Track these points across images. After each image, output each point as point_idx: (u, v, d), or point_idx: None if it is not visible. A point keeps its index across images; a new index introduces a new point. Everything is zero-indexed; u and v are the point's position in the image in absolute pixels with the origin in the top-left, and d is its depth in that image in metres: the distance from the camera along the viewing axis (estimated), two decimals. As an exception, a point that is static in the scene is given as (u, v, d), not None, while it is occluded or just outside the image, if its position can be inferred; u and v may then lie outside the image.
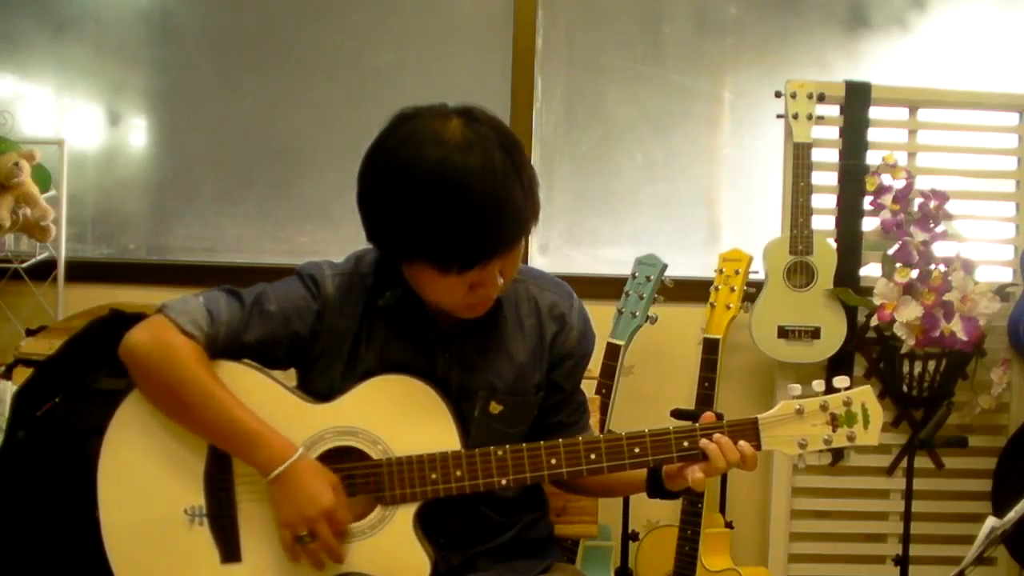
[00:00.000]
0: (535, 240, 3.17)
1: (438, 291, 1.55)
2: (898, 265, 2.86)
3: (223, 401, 1.56)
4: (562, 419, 1.75)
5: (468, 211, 1.45)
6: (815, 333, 2.87)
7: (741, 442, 1.58)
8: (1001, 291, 2.91)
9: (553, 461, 1.59)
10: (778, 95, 2.90)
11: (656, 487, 1.68)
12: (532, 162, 1.55)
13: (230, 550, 1.60)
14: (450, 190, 1.45)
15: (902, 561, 2.69)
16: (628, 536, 2.82)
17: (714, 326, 2.76)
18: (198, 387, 1.55)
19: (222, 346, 1.59)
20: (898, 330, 2.83)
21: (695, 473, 1.58)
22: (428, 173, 1.45)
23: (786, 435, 1.60)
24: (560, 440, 1.60)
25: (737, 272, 2.77)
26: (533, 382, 1.69)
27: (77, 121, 3.18)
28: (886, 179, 2.93)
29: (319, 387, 1.64)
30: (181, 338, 1.56)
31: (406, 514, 1.60)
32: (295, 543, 1.56)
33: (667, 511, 2.71)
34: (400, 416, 1.60)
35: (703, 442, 1.58)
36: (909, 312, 2.82)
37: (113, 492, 1.60)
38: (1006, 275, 3.01)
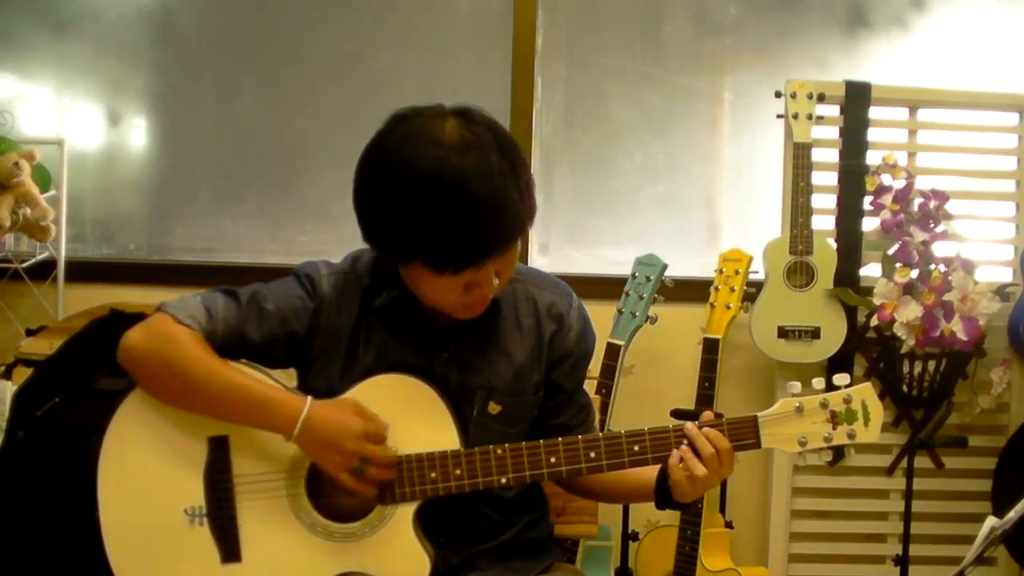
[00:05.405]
0: (535, 240, 3.17)
1: (434, 291, 1.55)
2: (898, 265, 2.86)
3: (225, 373, 1.56)
4: (564, 421, 1.74)
5: (464, 212, 1.45)
6: (815, 333, 2.87)
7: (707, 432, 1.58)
8: (1001, 291, 2.91)
9: (552, 459, 1.59)
10: (778, 95, 2.90)
11: (663, 497, 1.66)
12: (532, 162, 1.55)
13: (230, 550, 1.60)
14: (446, 191, 1.45)
15: (902, 561, 2.69)
16: (628, 536, 2.83)
17: (714, 326, 2.76)
18: (199, 364, 1.56)
19: (220, 343, 1.60)
20: (898, 330, 2.83)
21: (673, 459, 1.58)
22: (425, 174, 1.46)
23: (786, 433, 1.59)
24: (560, 439, 1.60)
25: (737, 272, 2.77)
26: (532, 382, 1.69)
27: (77, 121, 3.18)
28: (886, 179, 2.93)
29: (318, 386, 1.64)
30: (178, 326, 1.57)
31: (406, 513, 1.60)
32: (355, 480, 1.55)
33: (667, 511, 2.70)
34: (399, 415, 1.59)
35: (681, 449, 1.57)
36: (909, 312, 2.82)
37: (113, 492, 1.60)
38: (1006, 275, 3.01)
